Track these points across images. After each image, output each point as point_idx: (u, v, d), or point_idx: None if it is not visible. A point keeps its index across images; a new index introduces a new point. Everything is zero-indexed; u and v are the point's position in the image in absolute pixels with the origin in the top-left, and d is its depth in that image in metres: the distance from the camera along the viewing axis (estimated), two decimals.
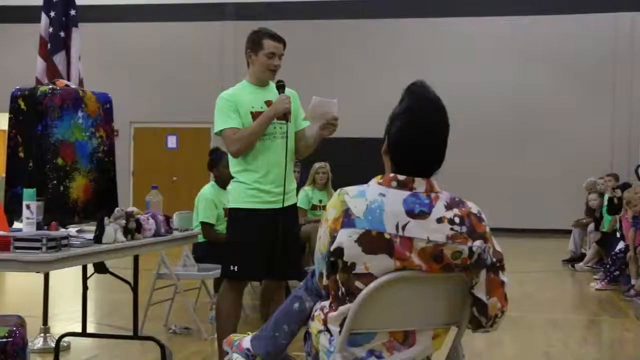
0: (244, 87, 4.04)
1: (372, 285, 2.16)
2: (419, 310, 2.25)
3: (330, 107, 3.90)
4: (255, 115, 3.93)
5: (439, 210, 2.18)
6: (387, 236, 2.14)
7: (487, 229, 2.23)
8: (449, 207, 2.19)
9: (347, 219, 2.16)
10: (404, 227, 2.15)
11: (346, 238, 2.15)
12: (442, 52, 14.66)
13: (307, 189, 7.12)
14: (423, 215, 2.16)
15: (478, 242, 2.19)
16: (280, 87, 4.00)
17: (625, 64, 14.30)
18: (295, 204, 4.16)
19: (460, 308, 2.30)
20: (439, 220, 2.16)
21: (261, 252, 3.95)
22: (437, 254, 2.16)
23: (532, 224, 14.19)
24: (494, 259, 2.23)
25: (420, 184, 2.21)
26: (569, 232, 10.54)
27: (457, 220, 2.18)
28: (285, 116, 3.94)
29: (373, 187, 2.22)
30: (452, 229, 2.16)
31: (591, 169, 12.58)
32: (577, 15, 14.45)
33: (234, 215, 4.02)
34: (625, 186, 8.76)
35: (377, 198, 2.18)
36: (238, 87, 4.05)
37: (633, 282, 7.62)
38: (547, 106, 14.42)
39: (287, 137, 3.98)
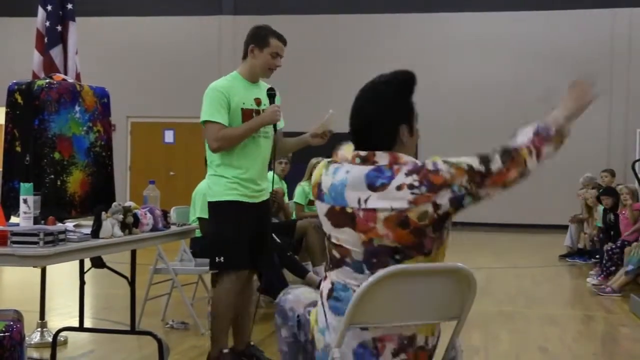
0: (236, 80, 4.04)
1: (370, 279, 2.17)
2: (417, 305, 2.26)
3: (331, 119, 4.01)
4: (245, 112, 3.97)
5: (399, 179, 2.21)
6: (349, 210, 2.25)
7: (447, 175, 2.19)
8: (409, 173, 2.21)
9: (319, 192, 2.35)
10: (366, 201, 2.22)
11: (320, 211, 2.35)
12: (440, 48, 14.63)
13: (303, 184, 7.06)
14: (383, 187, 2.21)
15: (441, 192, 2.18)
16: (271, 96, 4.05)
17: (623, 60, 14.30)
18: (268, 199, 4.22)
19: (459, 303, 2.31)
20: (399, 188, 2.20)
21: (244, 243, 4.02)
22: (402, 220, 2.18)
23: (529, 220, 14.20)
24: (478, 174, 2.22)
25: (382, 157, 2.27)
26: (565, 227, 10.54)
27: (416, 184, 2.19)
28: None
29: (345, 166, 2.32)
30: (412, 193, 2.18)
31: (588, 165, 12.59)
32: (575, 11, 14.44)
33: (215, 208, 4.09)
34: (609, 191, 8.72)
35: (343, 175, 2.28)
36: (229, 79, 4.04)
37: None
38: (544, 102, 14.39)
39: (269, 137, 4.07)
